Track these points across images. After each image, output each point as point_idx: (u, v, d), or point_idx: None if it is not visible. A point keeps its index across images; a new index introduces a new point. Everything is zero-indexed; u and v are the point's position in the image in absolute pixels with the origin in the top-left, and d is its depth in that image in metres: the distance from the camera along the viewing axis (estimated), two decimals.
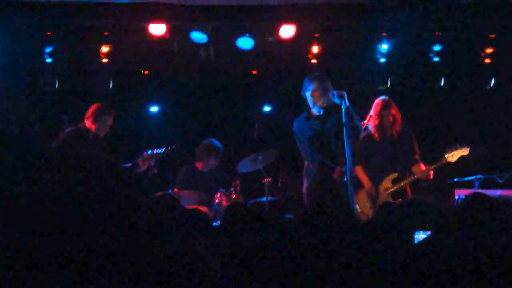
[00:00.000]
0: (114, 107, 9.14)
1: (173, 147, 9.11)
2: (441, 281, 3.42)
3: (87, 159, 4.47)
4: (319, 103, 8.03)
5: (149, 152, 8.93)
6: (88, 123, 8.86)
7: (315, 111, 8.12)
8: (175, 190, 9.53)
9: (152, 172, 9.15)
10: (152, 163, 8.99)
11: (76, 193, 3.84)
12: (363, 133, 8.54)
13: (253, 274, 3.67)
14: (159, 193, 9.01)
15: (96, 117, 8.86)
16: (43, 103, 10.93)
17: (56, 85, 10.98)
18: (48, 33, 10.28)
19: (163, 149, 9.01)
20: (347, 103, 7.63)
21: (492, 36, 10.57)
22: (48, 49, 10.46)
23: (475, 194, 4.41)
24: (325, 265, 3.74)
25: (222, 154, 9.82)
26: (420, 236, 4.18)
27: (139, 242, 3.86)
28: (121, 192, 3.99)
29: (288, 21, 10.11)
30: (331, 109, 8.02)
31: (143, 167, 8.83)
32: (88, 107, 8.97)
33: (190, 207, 8.76)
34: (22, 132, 10.06)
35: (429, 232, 4.16)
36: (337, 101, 7.64)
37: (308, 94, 8.11)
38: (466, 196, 4.55)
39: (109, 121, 8.95)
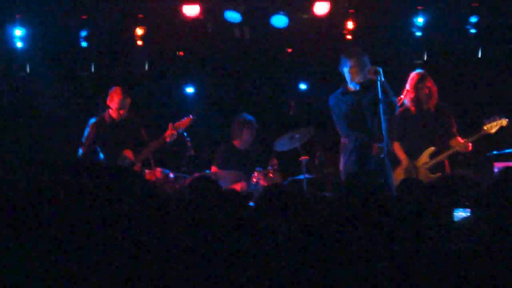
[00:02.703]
0: (125, 87, 9.16)
1: (199, 110, 9.13)
2: (477, 261, 3.41)
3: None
4: (356, 79, 8.00)
5: (175, 122, 8.97)
6: (111, 111, 8.97)
7: (351, 86, 8.08)
8: (214, 169, 9.55)
9: (189, 153, 9.18)
10: (188, 142, 9.05)
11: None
12: (400, 108, 8.50)
13: (291, 252, 3.69)
14: (197, 174, 9.06)
15: (112, 102, 8.95)
16: (79, 88, 11.01)
17: (92, 69, 11.04)
18: (83, 17, 10.35)
19: (189, 116, 9.03)
20: (383, 79, 7.61)
21: None
22: (83, 33, 10.52)
23: (508, 168, 4.38)
24: (361, 242, 3.74)
25: (257, 128, 9.78)
26: (459, 214, 4.16)
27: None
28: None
29: None
30: (367, 85, 7.97)
31: (172, 137, 8.87)
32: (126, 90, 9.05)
33: (229, 186, 8.84)
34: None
35: (467, 211, 4.14)
36: (372, 77, 7.64)
37: (345, 70, 8.08)
38: (500, 169, 4.50)
39: (128, 100, 9.00)
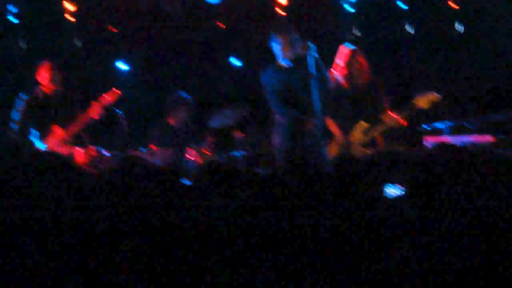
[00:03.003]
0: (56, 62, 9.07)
1: (131, 88, 9.09)
2: (412, 240, 3.48)
3: None
4: (287, 55, 8.02)
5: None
6: (42, 87, 8.88)
7: (283, 63, 8.10)
8: (151, 146, 9.50)
9: (124, 130, 9.13)
10: (122, 119, 9.00)
11: None
12: (332, 85, 8.55)
13: (230, 233, 3.71)
14: (131, 152, 9.04)
15: (43, 76, 8.86)
16: (10, 65, 10.86)
17: (23, 45, 10.89)
18: None
19: (113, 91, 8.96)
20: (315, 55, 7.65)
21: None
22: (14, 10, 10.37)
23: (442, 144, 4.46)
24: (301, 221, 3.78)
25: (192, 105, 9.77)
26: (389, 190, 4.22)
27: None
28: None
29: None
30: (299, 61, 7.99)
31: (101, 116, 8.82)
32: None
33: (163, 163, 8.82)
34: None
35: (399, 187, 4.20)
36: (304, 52, 7.68)
37: (276, 47, 8.09)
38: (433, 146, 4.58)
39: (59, 74, 8.92)
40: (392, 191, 4.05)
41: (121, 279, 3.46)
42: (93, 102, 8.81)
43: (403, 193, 3.97)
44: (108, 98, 8.89)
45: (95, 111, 8.79)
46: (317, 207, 3.98)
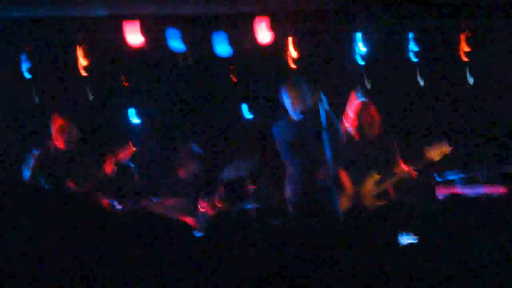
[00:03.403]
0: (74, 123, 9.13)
1: (138, 144, 9.14)
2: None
3: None
4: (297, 108, 8.05)
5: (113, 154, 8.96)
6: (57, 142, 8.90)
7: (294, 116, 8.13)
8: (164, 199, 9.50)
9: (132, 178, 9.15)
10: (135, 175, 9.02)
11: None
12: (344, 136, 8.57)
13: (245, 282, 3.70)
14: (143, 203, 9.05)
15: (59, 135, 8.89)
16: (24, 120, 10.89)
17: (36, 100, 10.94)
18: (26, 48, 10.27)
19: (129, 147, 9.00)
20: (326, 106, 7.68)
21: (469, 35, 10.64)
22: (27, 65, 10.44)
23: (454, 195, 4.46)
24: (314, 272, 3.77)
25: (203, 159, 9.80)
26: (403, 239, 4.21)
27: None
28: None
29: (264, 27, 10.15)
30: (310, 113, 8.02)
31: (113, 172, 8.84)
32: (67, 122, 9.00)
33: (175, 215, 8.81)
34: None
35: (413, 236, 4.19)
36: (315, 104, 7.70)
37: (286, 100, 8.13)
38: (445, 197, 4.58)
39: (74, 134, 8.96)
40: (406, 239, 4.04)
41: None
42: (108, 157, 8.85)
43: (416, 241, 3.96)
44: (123, 154, 8.93)
45: (109, 167, 8.83)
46: (330, 257, 3.98)
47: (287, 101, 8.11)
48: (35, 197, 4.20)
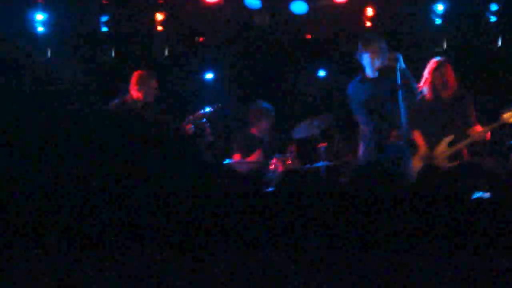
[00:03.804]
0: (154, 71, 9.20)
1: (219, 105, 9.19)
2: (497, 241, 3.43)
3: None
4: (374, 66, 7.98)
5: (194, 113, 9.03)
6: (134, 93, 8.96)
7: (369, 73, 8.07)
8: (236, 156, 9.57)
9: (208, 139, 9.21)
10: (207, 129, 9.08)
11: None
12: (419, 96, 8.49)
13: (309, 236, 3.71)
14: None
15: (139, 85, 8.95)
16: (100, 73, 11.04)
17: (112, 54, 11.07)
18: (104, 1, 10.38)
19: (209, 108, 9.07)
20: (402, 65, 7.60)
21: None
22: (104, 18, 10.56)
23: None
24: (383, 230, 3.76)
25: (274, 116, 9.82)
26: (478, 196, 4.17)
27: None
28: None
29: None
30: (386, 72, 7.95)
31: (189, 130, 8.91)
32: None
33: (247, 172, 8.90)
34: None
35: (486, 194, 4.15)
36: (392, 63, 7.64)
37: (363, 57, 8.06)
38: None
39: (153, 84, 9.02)
40: (479, 196, 4.01)
41: None
42: (186, 120, 8.94)
43: (489, 197, 3.93)
44: (200, 115, 9.01)
45: (187, 127, 8.91)
46: (400, 216, 3.96)
47: (364, 58, 8.03)
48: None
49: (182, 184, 4.07)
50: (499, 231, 3.56)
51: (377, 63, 7.95)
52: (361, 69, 8.12)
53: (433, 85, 8.57)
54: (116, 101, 8.97)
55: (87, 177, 3.77)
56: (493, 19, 10.65)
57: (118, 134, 4.10)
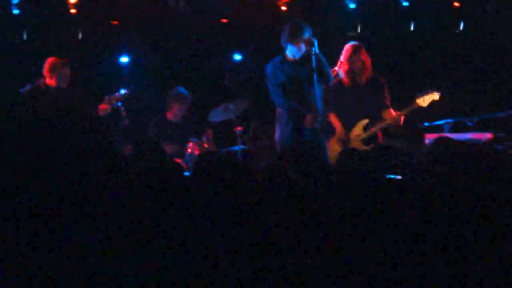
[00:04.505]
0: (67, 58, 9.08)
1: (133, 87, 9.13)
2: (410, 223, 3.49)
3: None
4: (300, 51, 8.05)
5: (110, 95, 8.94)
6: (47, 79, 8.85)
7: (290, 56, 8.12)
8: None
9: (124, 123, 9.13)
10: (123, 112, 9.00)
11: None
12: (334, 80, 8.57)
13: (226, 222, 3.70)
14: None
15: (52, 72, 8.84)
16: (11, 56, 10.82)
17: (24, 37, 10.86)
18: None
19: (124, 91, 9.00)
20: (317, 50, 7.70)
21: None
22: (15, 1, 10.34)
23: (441, 138, 4.48)
24: (294, 212, 3.78)
25: (191, 101, 9.78)
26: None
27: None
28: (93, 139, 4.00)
29: None
30: (304, 56, 8.04)
31: (105, 111, 8.83)
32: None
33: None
34: None
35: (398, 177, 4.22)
36: (307, 47, 7.74)
37: (288, 41, 8.06)
38: (433, 140, 4.60)
39: (66, 71, 8.91)
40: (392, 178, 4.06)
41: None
42: (104, 100, 8.84)
43: (401, 178, 3.99)
44: (117, 97, 8.92)
45: (102, 108, 8.82)
46: (316, 199, 3.99)
47: (291, 46, 8.06)
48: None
49: (96, 174, 4.03)
50: (410, 211, 3.62)
51: (303, 49, 8.03)
52: (282, 50, 8.16)
53: (349, 69, 8.66)
54: (28, 86, 8.81)
55: None
56: (405, 3, 10.81)
57: (29, 121, 4.02)
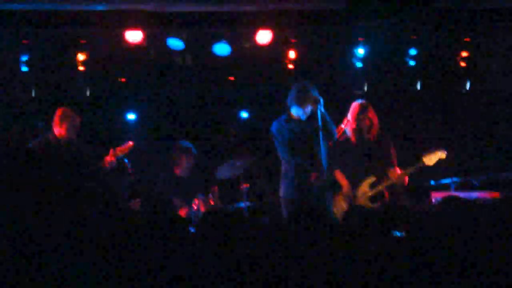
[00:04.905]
0: (77, 109, 9.12)
1: (141, 141, 9.14)
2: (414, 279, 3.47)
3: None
4: (306, 113, 8.10)
5: (115, 147, 8.95)
6: (56, 130, 8.84)
7: (294, 114, 8.16)
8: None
9: (129, 178, 9.13)
10: (129, 168, 9.00)
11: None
12: (341, 137, 8.61)
13: (228, 278, 3.69)
14: (137, 201, 9.05)
15: (62, 121, 8.83)
16: (19, 112, 10.88)
17: (33, 94, 10.93)
18: (24, 41, 10.25)
19: (129, 142, 9.01)
20: (322, 110, 7.75)
21: (467, 40, 10.64)
22: (24, 58, 10.42)
23: (450, 197, 4.47)
24: (306, 270, 3.76)
25: (196, 156, 9.80)
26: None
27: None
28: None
29: (264, 27, 10.14)
30: (309, 114, 8.10)
31: (111, 164, 8.84)
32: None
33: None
34: None
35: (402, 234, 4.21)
36: (313, 106, 7.80)
37: (294, 100, 8.11)
38: (441, 199, 4.59)
39: (77, 121, 8.93)
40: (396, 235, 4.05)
41: None
42: (110, 152, 8.85)
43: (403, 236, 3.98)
44: (122, 149, 8.94)
45: (108, 161, 8.83)
46: (322, 256, 3.97)
47: (296, 104, 8.11)
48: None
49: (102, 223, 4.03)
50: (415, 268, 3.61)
51: (308, 111, 8.08)
52: (286, 109, 8.21)
53: (357, 127, 8.68)
54: (38, 139, 8.83)
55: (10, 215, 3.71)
56: (412, 63, 10.85)
57: (40, 172, 4.03)
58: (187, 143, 9.80)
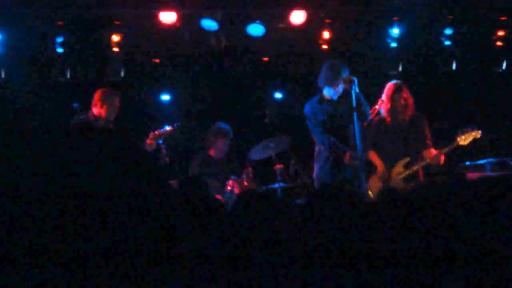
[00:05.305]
0: (116, 90, 9.12)
1: (178, 124, 9.13)
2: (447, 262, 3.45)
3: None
4: (338, 92, 8.07)
5: (155, 131, 8.96)
6: (96, 110, 8.81)
7: (327, 95, 8.14)
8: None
9: (164, 160, 9.16)
10: (163, 150, 9.02)
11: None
12: (375, 118, 8.59)
13: (261, 260, 3.69)
14: (172, 183, 9.07)
15: (102, 102, 8.81)
16: (55, 94, 10.94)
17: (68, 75, 10.98)
18: (59, 23, 10.30)
19: (169, 126, 9.02)
20: (357, 89, 7.70)
21: (503, 18, 10.54)
22: (59, 39, 10.48)
23: (484, 177, 4.44)
24: (332, 249, 3.76)
25: (232, 136, 9.81)
26: None
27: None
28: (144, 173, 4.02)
29: (298, 7, 10.11)
30: (342, 94, 8.06)
31: (150, 147, 8.86)
32: None
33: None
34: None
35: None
36: (347, 86, 7.75)
37: (325, 80, 8.08)
38: (475, 180, 4.55)
39: (116, 102, 8.91)
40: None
41: None
42: (150, 135, 8.88)
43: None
44: (161, 133, 8.95)
45: (148, 143, 8.85)
46: (355, 238, 3.96)
47: (327, 84, 8.08)
48: None
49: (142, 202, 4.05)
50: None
51: (340, 90, 8.04)
52: (319, 90, 8.19)
53: (392, 107, 8.64)
54: (77, 119, 8.81)
55: (53, 194, 3.72)
56: (447, 43, 10.76)
57: (87, 149, 4.04)
58: (225, 125, 9.81)
